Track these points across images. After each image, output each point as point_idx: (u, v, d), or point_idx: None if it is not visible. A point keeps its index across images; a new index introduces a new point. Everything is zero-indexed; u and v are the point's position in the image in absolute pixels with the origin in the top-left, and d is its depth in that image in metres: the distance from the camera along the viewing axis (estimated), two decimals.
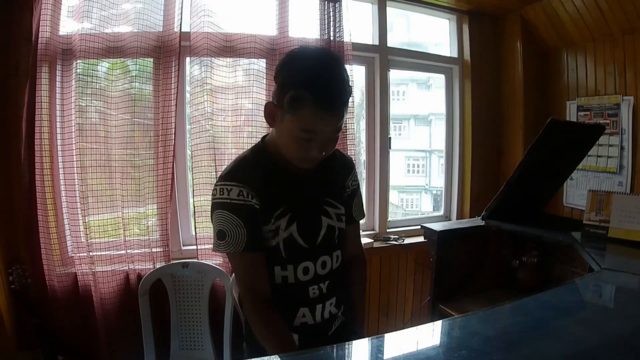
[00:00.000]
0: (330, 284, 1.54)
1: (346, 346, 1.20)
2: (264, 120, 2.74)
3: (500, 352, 1.17)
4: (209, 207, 2.70)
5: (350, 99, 2.80)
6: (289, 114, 1.29)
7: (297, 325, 1.49)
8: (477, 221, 3.02)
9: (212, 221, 1.43)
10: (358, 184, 1.71)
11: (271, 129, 1.48)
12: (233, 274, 1.71)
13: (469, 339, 1.24)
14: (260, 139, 1.56)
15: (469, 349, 1.16)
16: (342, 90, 1.29)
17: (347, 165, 1.67)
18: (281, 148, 1.40)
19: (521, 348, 1.21)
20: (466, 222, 3.23)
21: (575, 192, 3.42)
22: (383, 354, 1.17)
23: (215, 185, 1.41)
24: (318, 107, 1.25)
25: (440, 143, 3.96)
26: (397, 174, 4.08)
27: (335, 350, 1.19)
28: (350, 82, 1.34)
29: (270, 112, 1.37)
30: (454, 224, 3.28)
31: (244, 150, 1.56)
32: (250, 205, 1.37)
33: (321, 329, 1.54)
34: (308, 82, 1.25)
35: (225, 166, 1.49)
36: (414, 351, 1.19)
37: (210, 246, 2.70)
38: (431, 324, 1.34)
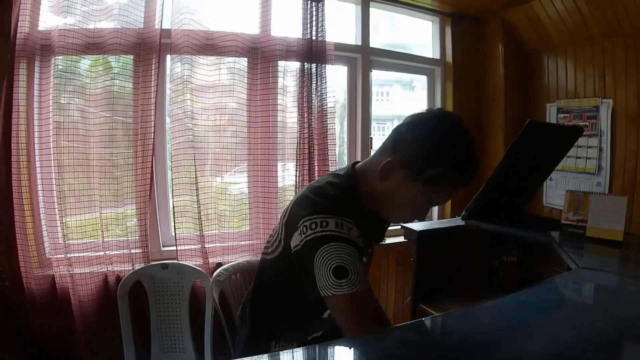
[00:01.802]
0: None
1: (329, 346, 1.19)
2: (246, 120, 2.77)
3: (476, 351, 1.16)
4: (190, 208, 2.69)
5: (330, 99, 2.79)
6: (422, 184, 1.27)
7: (309, 340, 1.53)
8: (458, 221, 3.03)
9: (312, 253, 1.22)
10: None
11: (367, 168, 1.42)
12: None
13: (445, 339, 1.24)
14: (349, 166, 1.47)
15: (445, 349, 1.15)
16: (478, 169, 1.31)
17: None
18: (386, 204, 1.37)
19: (497, 347, 1.21)
20: (446, 222, 3.25)
21: (555, 192, 3.47)
22: (355, 355, 1.16)
23: (324, 216, 1.25)
24: (458, 187, 1.27)
25: None
26: None
27: (317, 350, 1.18)
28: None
29: (391, 169, 1.32)
30: (434, 223, 3.29)
31: (330, 174, 1.48)
32: (363, 250, 1.31)
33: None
34: (460, 164, 1.26)
35: (316, 191, 1.36)
36: (387, 351, 1.18)
37: (191, 247, 2.74)
38: (408, 322, 1.33)
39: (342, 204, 1.30)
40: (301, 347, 1.26)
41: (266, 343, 1.50)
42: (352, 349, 1.15)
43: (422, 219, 1.37)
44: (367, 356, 1.14)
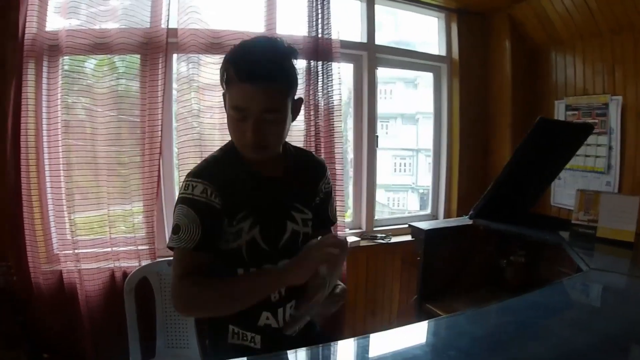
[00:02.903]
0: (289, 287, 1.49)
1: (332, 346, 1.19)
2: None
3: (489, 352, 1.16)
4: None
5: (336, 97, 2.79)
6: (226, 95, 1.35)
7: (261, 326, 1.48)
8: (465, 220, 3.01)
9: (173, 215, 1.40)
10: (331, 188, 1.69)
11: None
12: None
13: (457, 339, 1.24)
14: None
15: (457, 350, 1.15)
16: (268, 65, 1.28)
17: (319, 169, 1.65)
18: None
19: (510, 349, 1.21)
20: (453, 221, 3.23)
21: (563, 192, 3.42)
22: (370, 354, 1.16)
23: (183, 180, 1.40)
24: (240, 80, 1.27)
25: (427, 142, 3.96)
26: (384, 172, 4.09)
27: (321, 350, 1.18)
28: (290, 67, 1.34)
29: (224, 100, 1.40)
30: (441, 222, 3.29)
31: (214, 151, 1.55)
32: (211, 204, 1.35)
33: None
34: (237, 57, 1.30)
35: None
36: (402, 351, 1.18)
37: None
38: (419, 323, 1.33)
39: (202, 165, 1.43)
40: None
41: (224, 327, 1.50)
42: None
43: (248, 137, 1.33)
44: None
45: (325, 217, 1.66)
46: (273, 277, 1.33)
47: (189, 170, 1.42)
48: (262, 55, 1.30)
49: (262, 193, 1.46)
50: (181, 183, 1.41)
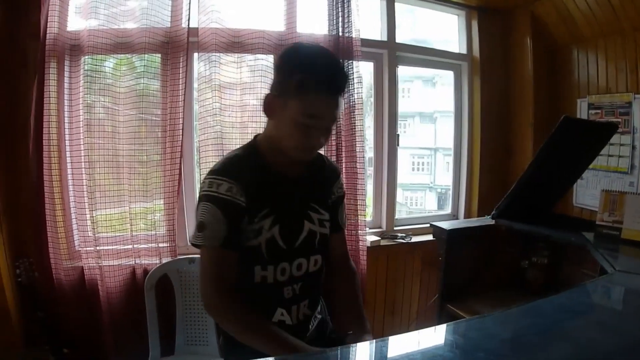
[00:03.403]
0: (304, 285, 1.56)
1: (356, 347, 1.19)
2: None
3: (517, 354, 1.15)
4: None
5: (357, 95, 2.81)
6: (294, 100, 1.34)
7: (275, 322, 1.50)
8: (487, 220, 2.98)
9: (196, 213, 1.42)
10: (343, 193, 1.76)
11: (264, 128, 1.55)
12: None
13: (485, 341, 1.23)
14: (252, 138, 1.58)
15: (486, 351, 1.14)
16: (341, 75, 1.39)
17: (333, 172, 1.71)
18: (280, 140, 1.43)
19: (538, 351, 1.19)
20: (475, 221, 3.20)
21: (586, 192, 3.37)
22: (396, 354, 1.16)
23: (205, 178, 1.42)
24: (320, 90, 1.33)
25: (445, 141, 3.94)
26: (402, 171, 4.08)
27: (340, 351, 1.17)
28: (349, 73, 1.41)
29: (270, 103, 1.42)
30: (463, 222, 3.26)
31: (235, 149, 1.57)
32: (237, 203, 1.38)
33: (299, 330, 1.55)
34: (312, 67, 1.34)
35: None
36: (430, 351, 1.17)
37: None
38: (446, 324, 1.32)
39: (225, 163, 1.44)
40: None
41: None
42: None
43: (315, 142, 1.42)
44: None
45: (336, 222, 1.69)
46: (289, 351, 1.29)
47: (211, 168, 1.45)
48: (336, 68, 1.39)
49: (282, 192, 1.49)
50: (203, 180, 1.42)
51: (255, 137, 1.57)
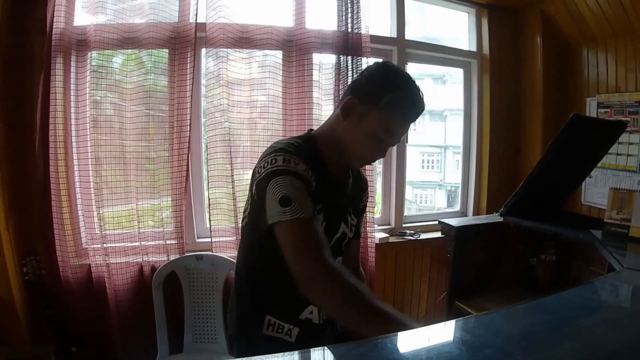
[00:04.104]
0: None
1: (364, 343, 1.18)
2: (279, 114, 2.77)
3: (525, 351, 1.14)
4: (225, 200, 2.71)
5: None
6: (379, 112, 1.38)
7: (302, 320, 1.50)
8: (495, 217, 2.97)
9: (263, 189, 1.30)
10: (367, 203, 1.83)
11: (324, 125, 1.56)
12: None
13: (493, 338, 1.21)
14: (306, 131, 1.58)
15: (493, 348, 1.13)
16: (424, 108, 1.45)
17: (365, 183, 1.77)
18: (346, 143, 1.46)
19: (546, 348, 1.18)
20: (484, 219, 3.18)
21: (594, 190, 3.36)
22: (403, 350, 1.15)
23: (274, 154, 1.33)
24: (407, 113, 1.41)
25: (455, 139, 3.93)
26: (412, 169, 4.07)
27: (352, 347, 1.16)
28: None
29: (352, 106, 1.42)
30: (471, 219, 3.25)
31: (288, 137, 1.55)
32: (311, 185, 1.33)
33: (322, 329, 1.56)
34: (411, 90, 1.41)
35: (277, 145, 1.42)
36: (436, 348, 1.16)
37: (225, 239, 2.75)
38: (452, 321, 1.30)
39: (293, 146, 1.39)
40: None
41: (260, 317, 1.48)
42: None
43: (380, 156, 1.51)
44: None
45: (357, 228, 1.73)
46: (392, 326, 1.15)
47: (276, 147, 1.38)
48: (424, 100, 1.45)
49: (334, 191, 1.50)
50: (272, 157, 1.32)
51: (310, 131, 1.57)
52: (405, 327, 1.14)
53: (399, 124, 1.40)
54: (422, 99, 1.43)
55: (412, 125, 1.53)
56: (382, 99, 1.37)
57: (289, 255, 1.23)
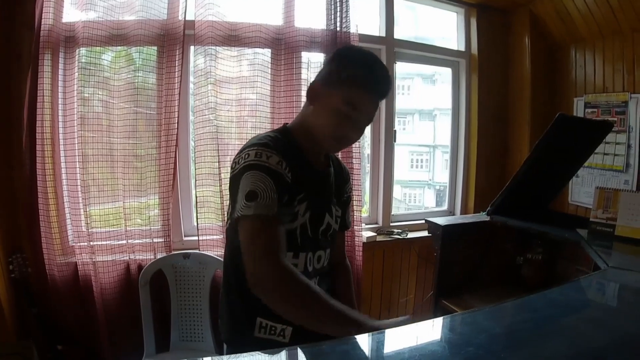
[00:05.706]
0: (319, 280, 1.56)
1: (347, 341, 1.18)
2: (267, 112, 2.76)
3: (508, 349, 1.14)
4: (213, 199, 2.70)
5: None
6: (339, 90, 1.38)
7: None
8: (482, 216, 2.98)
9: (236, 185, 1.31)
10: (352, 194, 1.85)
11: (297, 116, 1.56)
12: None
13: (476, 336, 1.22)
14: (281, 125, 1.58)
15: (476, 346, 1.13)
16: (387, 81, 1.44)
17: (347, 174, 1.76)
18: (315, 126, 1.45)
19: (529, 346, 1.18)
20: (470, 217, 3.20)
21: (581, 190, 3.39)
22: (387, 349, 1.15)
23: (248, 149, 1.34)
24: (366, 85, 1.38)
25: (444, 138, 3.94)
26: (401, 168, 4.07)
27: (335, 345, 1.16)
28: (392, 84, 1.48)
29: (315, 90, 1.44)
30: (458, 218, 3.26)
31: (265, 132, 1.54)
32: (285, 178, 1.33)
33: None
34: (365, 64, 1.40)
35: (254, 138, 1.44)
36: (419, 347, 1.16)
37: (213, 237, 2.74)
38: (436, 319, 1.31)
39: (268, 138, 1.40)
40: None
41: (251, 320, 1.47)
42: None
43: (349, 134, 1.45)
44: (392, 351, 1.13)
45: (343, 221, 1.72)
46: (352, 325, 1.16)
47: (251, 142, 1.39)
48: (385, 74, 1.44)
49: (316, 180, 1.51)
50: (245, 151, 1.34)
51: (285, 125, 1.57)
52: (362, 326, 1.16)
53: (358, 95, 1.38)
54: (382, 71, 1.43)
55: (380, 103, 1.50)
56: (340, 76, 1.38)
57: (244, 251, 1.22)
